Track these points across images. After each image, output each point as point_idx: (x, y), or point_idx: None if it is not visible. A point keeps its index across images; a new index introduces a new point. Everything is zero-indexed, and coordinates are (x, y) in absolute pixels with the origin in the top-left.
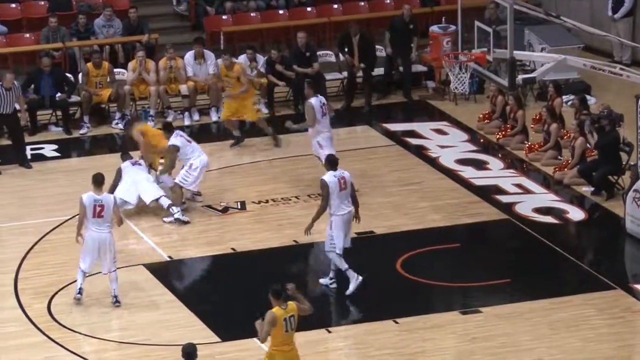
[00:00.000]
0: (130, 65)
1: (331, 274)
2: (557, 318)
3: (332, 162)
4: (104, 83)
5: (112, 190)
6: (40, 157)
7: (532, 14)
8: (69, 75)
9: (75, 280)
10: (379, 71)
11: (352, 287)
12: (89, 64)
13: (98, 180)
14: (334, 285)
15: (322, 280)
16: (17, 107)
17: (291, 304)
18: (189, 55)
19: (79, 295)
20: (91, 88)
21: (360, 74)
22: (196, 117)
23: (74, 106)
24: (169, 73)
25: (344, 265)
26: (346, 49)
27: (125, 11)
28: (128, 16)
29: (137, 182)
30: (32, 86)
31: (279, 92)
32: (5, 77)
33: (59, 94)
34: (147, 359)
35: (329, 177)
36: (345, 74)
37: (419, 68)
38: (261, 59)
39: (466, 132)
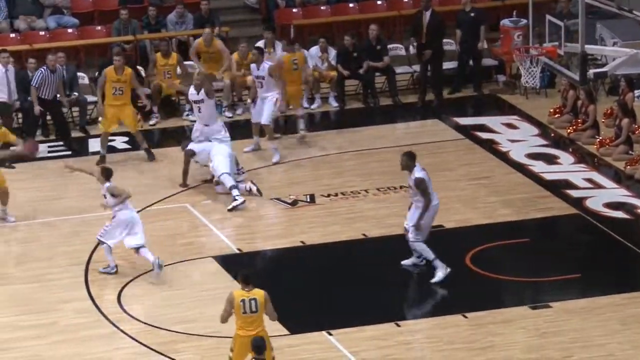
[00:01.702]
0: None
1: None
2: (629, 313)
3: (414, 157)
4: (173, 73)
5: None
6: (112, 149)
7: (604, 8)
8: (139, 67)
9: (146, 272)
10: (449, 65)
11: (441, 275)
12: (157, 54)
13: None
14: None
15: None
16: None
17: (259, 291)
18: (260, 44)
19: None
20: (159, 78)
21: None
22: None
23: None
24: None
25: (430, 255)
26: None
27: (197, 4)
28: (200, 8)
29: (216, 152)
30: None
31: (349, 85)
32: (48, 57)
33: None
34: (216, 351)
35: (421, 172)
36: (415, 67)
37: (489, 62)
38: (332, 51)
39: (537, 127)
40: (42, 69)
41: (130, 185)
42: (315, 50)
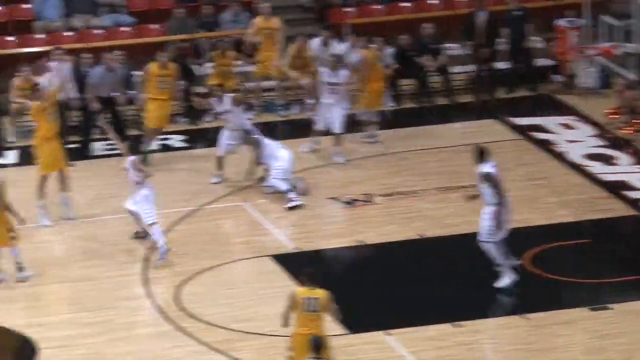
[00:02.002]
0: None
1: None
2: None
3: (486, 152)
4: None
5: None
6: (168, 148)
7: None
8: (193, 66)
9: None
10: (502, 65)
11: (504, 283)
12: (213, 53)
13: None
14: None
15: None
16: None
17: (321, 291)
18: (317, 42)
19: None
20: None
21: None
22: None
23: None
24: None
25: (499, 259)
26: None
27: (250, 3)
28: (253, 8)
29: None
30: None
31: (405, 84)
32: (105, 56)
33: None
34: (274, 350)
35: (491, 167)
36: (470, 67)
37: (545, 62)
38: (389, 51)
39: (594, 127)
40: (100, 67)
41: (187, 183)
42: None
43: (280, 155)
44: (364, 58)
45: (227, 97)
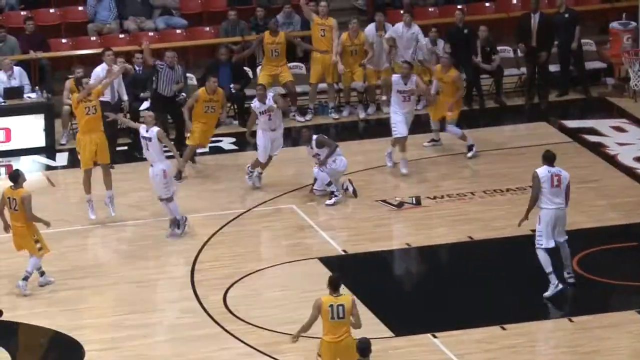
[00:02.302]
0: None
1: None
2: None
3: (547, 158)
4: (281, 52)
5: None
6: (218, 150)
7: None
8: (246, 68)
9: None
10: (553, 67)
11: (549, 293)
12: (266, 32)
13: None
14: (572, 280)
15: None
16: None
17: (346, 297)
18: (371, 27)
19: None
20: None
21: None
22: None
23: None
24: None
25: (548, 268)
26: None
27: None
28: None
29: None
30: None
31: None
32: (166, 53)
33: (233, 85)
34: None
35: (542, 170)
36: (523, 69)
37: (598, 65)
38: (441, 43)
39: None
40: (161, 64)
41: (236, 186)
42: (426, 40)
43: (340, 159)
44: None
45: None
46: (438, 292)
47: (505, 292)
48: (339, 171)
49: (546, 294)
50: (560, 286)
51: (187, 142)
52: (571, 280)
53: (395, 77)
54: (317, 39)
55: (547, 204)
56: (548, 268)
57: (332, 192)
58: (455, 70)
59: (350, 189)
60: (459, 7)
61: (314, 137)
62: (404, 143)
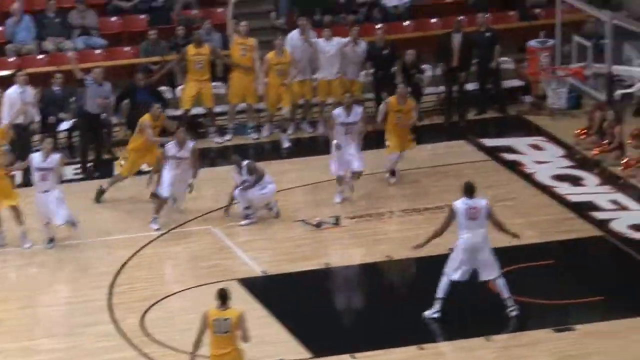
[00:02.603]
0: None
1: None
2: None
3: (465, 190)
4: (205, 65)
5: None
6: (136, 172)
7: (632, 29)
8: (164, 88)
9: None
10: (471, 86)
11: (427, 314)
12: (190, 46)
13: None
14: (514, 312)
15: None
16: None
17: (233, 311)
18: (294, 33)
19: None
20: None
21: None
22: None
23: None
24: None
25: (440, 293)
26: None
27: (223, 25)
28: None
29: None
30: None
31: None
32: (94, 70)
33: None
34: None
35: (459, 203)
36: (442, 88)
37: (515, 83)
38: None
39: (563, 148)
40: (90, 80)
41: (150, 208)
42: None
43: (270, 187)
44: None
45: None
46: (357, 312)
47: (424, 311)
48: (266, 198)
49: (424, 314)
50: (436, 316)
51: (119, 171)
52: (513, 314)
53: (337, 111)
54: (238, 58)
55: (463, 234)
56: (440, 294)
57: (248, 215)
58: (413, 100)
59: (275, 209)
60: (377, 26)
61: (245, 162)
62: (340, 181)
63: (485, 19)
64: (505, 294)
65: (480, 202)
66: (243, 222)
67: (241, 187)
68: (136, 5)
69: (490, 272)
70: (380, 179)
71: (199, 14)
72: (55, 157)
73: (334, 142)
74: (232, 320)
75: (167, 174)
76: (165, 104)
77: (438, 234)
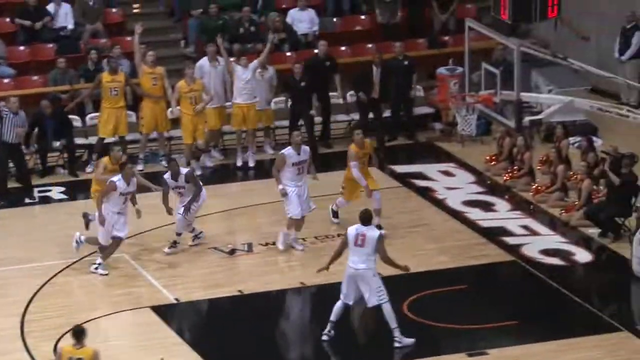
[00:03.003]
0: None
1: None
2: None
3: (361, 218)
4: (120, 90)
5: None
6: (48, 200)
7: (540, 56)
8: (73, 117)
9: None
10: (386, 113)
11: (323, 335)
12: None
13: None
14: (398, 344)
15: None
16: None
17: (87, 350)
18: (203, 60)
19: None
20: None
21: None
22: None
23: (81, 149)
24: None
25: (332, 314)
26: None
27: (131, 53)
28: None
29: None
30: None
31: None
32: (9, 99)
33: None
34: None
35: (352, 229)
36: (352, 115)
37: (425, 110)
38: None
39: (473, 174)
40: (5, 110)
41: (66, 235)
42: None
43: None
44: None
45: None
46: (270, 338)
47: (336, 337)
48: (198, 207)
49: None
50: (325, 338)
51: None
52: (396, 345)
53: (287, 151)
54: (149, 88)
55: (349, 259)
56: (332, 315)
57: (175, 242)
58: (370, 141)
59: (202, 235)
60: (288, 54)
61: (184, 170)
62: (301, 224)
63: (401, 47)
64: (391, 324)
65: (372, 231)
66: (167, 250)
67: (184, 209)
68: (44, 34)
69: (374, 300)
70: None
71: (107, 42)
72: None
73: (280, 187)
74: (85, 358)
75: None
76: (71, 132)
77: (335, 257)
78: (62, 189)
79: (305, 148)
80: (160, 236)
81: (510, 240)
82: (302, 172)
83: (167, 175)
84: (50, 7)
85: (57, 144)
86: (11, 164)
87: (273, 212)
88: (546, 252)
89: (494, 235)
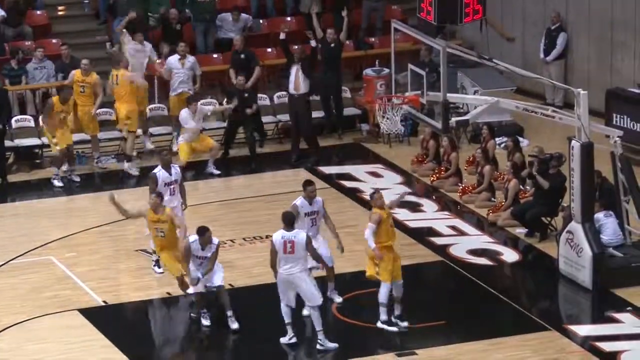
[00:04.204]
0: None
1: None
2: (494, 359)
3: (284, 220)
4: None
5: None
6: None
7: (465, 57)
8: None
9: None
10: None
11: (283, 340)
12: (55, 98)
13: None
14: (293, 340)
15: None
16: None
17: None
18: (173, 58)
19: None
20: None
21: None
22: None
23: (8, 151)
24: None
25: (285, 318)
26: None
27: (58, 55)
28: (60, 55)
29: None
30: None
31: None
32: None
33: None
34: None
35: (277, 235)
36: (280, 117)
37: (353, 111)
38: None
39: (400, 175)
40: None
41: None
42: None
43: None
44: None
45: None
46: (200, 339)
47: (263, 339)
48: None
49: (281, 339)
50: (293, 341)
51: None
52: (319, 347)
53: (298, 202)
54: (77, 94)
55: (280, 266)
56: (286, 319)
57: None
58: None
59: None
60: (214, 56)
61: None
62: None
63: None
64: (317, 326)
65: (299, 235)
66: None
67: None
68: None
69: (312, 302)
70: (220, 206)
71: (32, 45)
72: None
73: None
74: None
75: None
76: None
77: (276, 269)
78: None
79: (319, 199)
80: (88, 239)
81: (438, 240)
82: (315, 224)
83: (157, 170)
84: None
85: None
86: None
87: (204, 214)
88: (474, 252)
89: (422, 235)
